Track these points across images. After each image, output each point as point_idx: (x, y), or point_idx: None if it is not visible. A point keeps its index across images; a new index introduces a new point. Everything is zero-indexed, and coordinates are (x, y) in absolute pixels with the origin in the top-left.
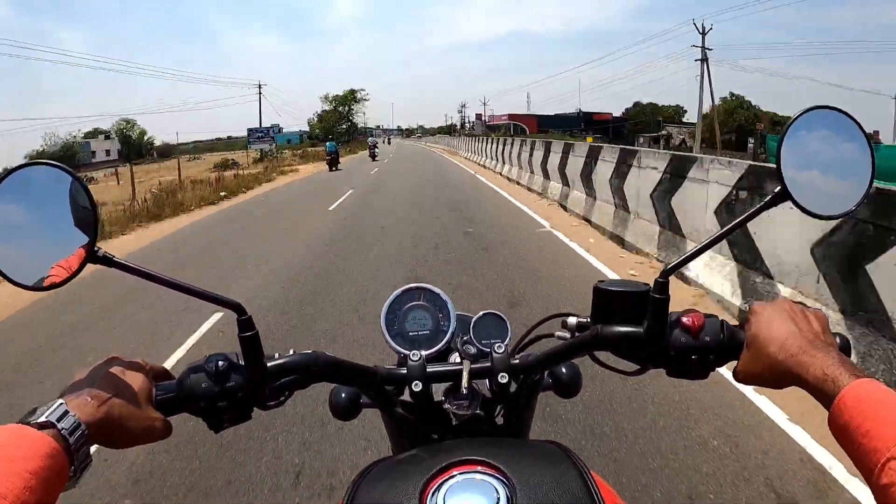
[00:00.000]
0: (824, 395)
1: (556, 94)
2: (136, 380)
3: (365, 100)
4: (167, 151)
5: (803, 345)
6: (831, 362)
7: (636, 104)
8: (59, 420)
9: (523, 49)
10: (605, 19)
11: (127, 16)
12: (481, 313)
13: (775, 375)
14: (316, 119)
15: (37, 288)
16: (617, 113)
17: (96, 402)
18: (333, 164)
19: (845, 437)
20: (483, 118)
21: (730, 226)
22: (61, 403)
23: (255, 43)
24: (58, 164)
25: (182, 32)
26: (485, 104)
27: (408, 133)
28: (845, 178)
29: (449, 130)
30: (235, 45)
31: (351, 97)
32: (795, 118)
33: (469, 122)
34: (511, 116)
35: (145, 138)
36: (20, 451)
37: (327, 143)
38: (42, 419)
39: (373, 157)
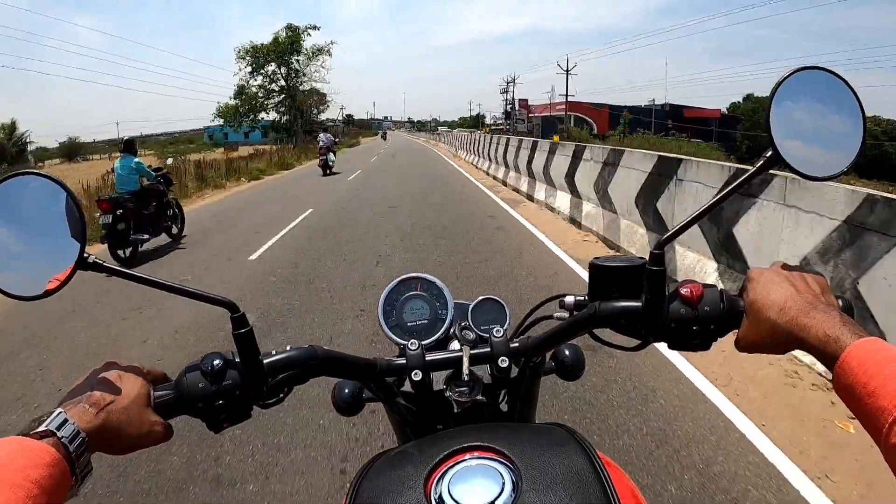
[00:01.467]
0: (827, 356)
1: (624, 81)
2: (133, 384)
3: (325, 52)
4: (72, 151)
5: (803, 307)
6: (833, 323)
7: (749, 98)
8: (58, 429)
9: (549, 42)
10: None
11: None
12: (479, 299)
13: (777, 340)
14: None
15: (25, 298)
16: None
17: (95, 409)
18: (326, 167)
19: (851, 397)
20: (513, 107)
21: (722, 194)
22: (60, 412)
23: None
24: (42, 173)
25: (193, 27)
26: (509, 88)
27: (419, 126)
28: (836, 138)
29: (476, 123)
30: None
31: (291, 43)
32: (783, 79)
33: (497, 115)
34: (573, 106)
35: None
36: (21, 461)
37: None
38: (42, 428)
39: (325, 167)
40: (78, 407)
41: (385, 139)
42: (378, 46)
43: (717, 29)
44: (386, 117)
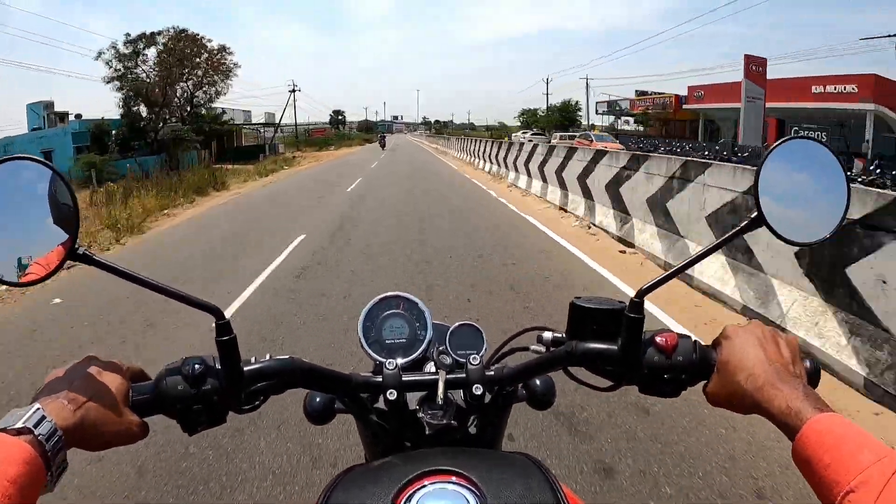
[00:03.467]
0: (788, 428)
1: None
2: (112, 381)
3: None
4: None
5: (770, 377)
6: (796, 395)
7: None
8: (35, 426)
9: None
10: None
11: None
12: (458, 324)
13: (742, 403)
14: None
15: (14, 284)
16: None
17: (72, 405)
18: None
19: (808, 469)
20: (613, 107)
21: (707, 248)
22: (38, 409)
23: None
24: (38, 158)
25: (212, 23)
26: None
27: (438, 128)
28: (820, 206)
29: (566, 123)
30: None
31: None
32: (773, 148)
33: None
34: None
35: None
36: None
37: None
38: (19, 425)
39: None
40: (56, 403)
41: (384, 146)
42: (391, 45)
43: None
44: (396, 117)
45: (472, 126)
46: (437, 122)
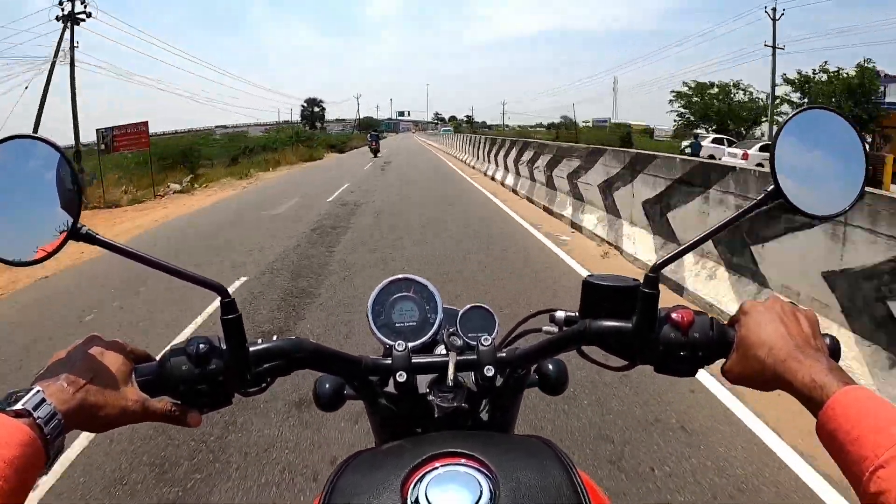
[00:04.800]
0: (812, 401)
1: None
2: (114, 362)
3: None
4: None
5: (792, 350)
6: (820, 368)
7: None
8: (35, 408)
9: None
10: None
11: None
12: (468, 306)
13: (763, 378)
14: None
15: (14, 263)
16: None
17: (73, 387)
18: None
19: (833, 444)
20: None
21: (720, 224)
22: (38, 391)
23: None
24: (44, 137)
25: (221, 27)
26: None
27: (457, 127)
28: (838, 178)
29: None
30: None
31: None
32: (789, 118)
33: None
34: None
35: None
36: None
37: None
38: (18, 407)
39: None
40: (56, 385)
41: (376, 153)
42: (401, 41)
43: None
44: (402, 113)
45: (484, 126)
46: (451, 118)
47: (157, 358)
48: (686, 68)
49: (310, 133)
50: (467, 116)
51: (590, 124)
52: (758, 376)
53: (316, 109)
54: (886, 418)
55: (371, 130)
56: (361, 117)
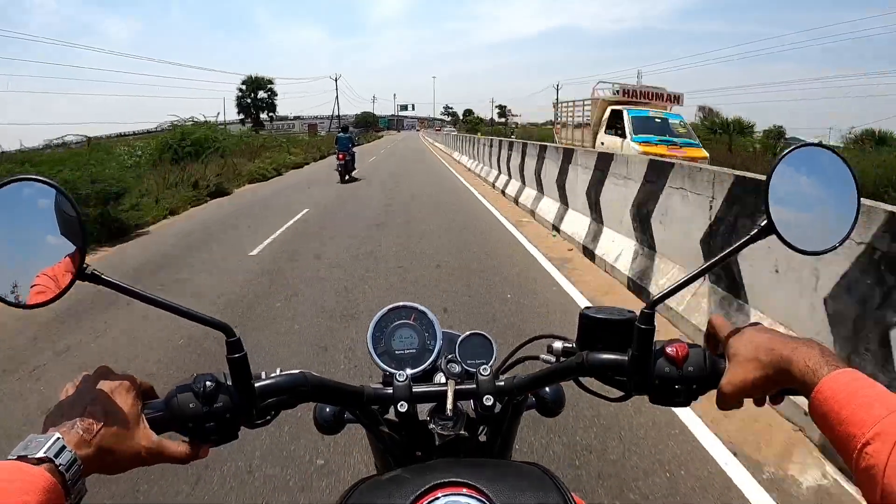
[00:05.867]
0: (806, 386)
1: None
2: (125, 401)
3: None
4: None
5: (787, 342)
6: (813, 354)
7: None
8: (56, 455)
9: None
10: None
11: None
12: (467, 333)
13: (760, 379)
14: None
15: (22, 306)
16: None
17: (88, 434)
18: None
19: (825, 425)
20: None
21: (717, 258)
22: (58, 437)
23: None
24: (41, 178)
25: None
26: None
27: (472, 125)
28: (830, 214)
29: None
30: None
31: None
32: (784, 155)
33: None
34: None
35: None
36: (19, 485)
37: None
38: (40, 454)
39: None
40: (73, 432)
41: (346, 176)
42: (408, 40)
43: None
44: (406, 107)
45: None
46: (467, 113)
47: (164, 395)
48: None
49: (217, 140)
50: (468, 110)
51: None
52: (754, 380)
53: (263, 95)
54: (870, 397)
55: (340, 132)
56: (358, 113)
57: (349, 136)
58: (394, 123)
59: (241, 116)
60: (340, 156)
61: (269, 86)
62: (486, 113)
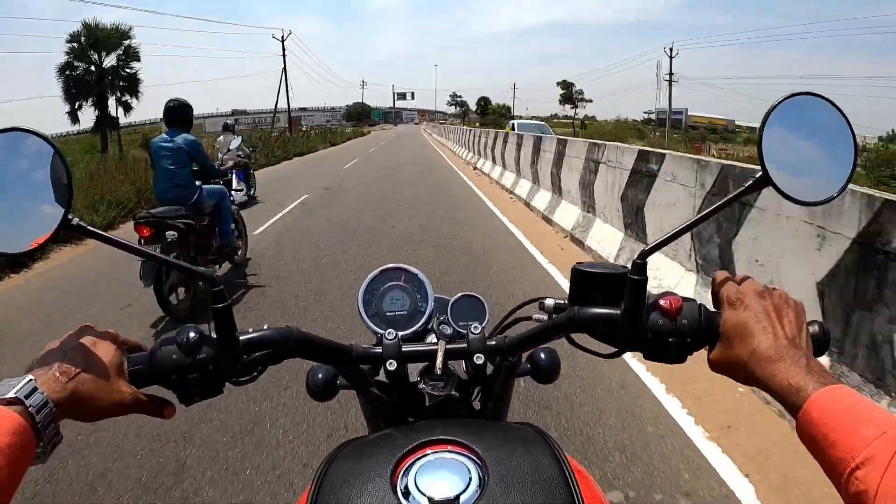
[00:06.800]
0: (790, 405)
1: None
2: (107, 352)
3: None
4: None
5: (771, 352)
6: (797, 371)
7: None
8: (27, 397)
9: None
10: None
11: None
12: (459, 295)
13: (743, 375)
14: None
15: (8, 254)
16: None
17: (65, 377)
18: None
19: (813, 447)
20: None
21: (708, 210)
22: (30, 380)
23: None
24: (36, 131)
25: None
26: None
27: (495, 118)
28: (827, 164)
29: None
30: None
31: None
32: (777, 104)
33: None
34: None
35: None
36: None
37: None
38: (10, 395)
39: None
40: (48, 375)
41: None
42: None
43: None
44: (404, 95)
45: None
46: (481, 101)
47: (149, 348)
48: None
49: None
50: (483, 97)
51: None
52: (738, 372)
53: (111, 62)
54: (860, 418)
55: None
56: (349, 104)
57: (228, 152)
58: (390, 116)
59: (69, 108)
60: (146, 231)
61: (123, 43)
62: (506, 101)
